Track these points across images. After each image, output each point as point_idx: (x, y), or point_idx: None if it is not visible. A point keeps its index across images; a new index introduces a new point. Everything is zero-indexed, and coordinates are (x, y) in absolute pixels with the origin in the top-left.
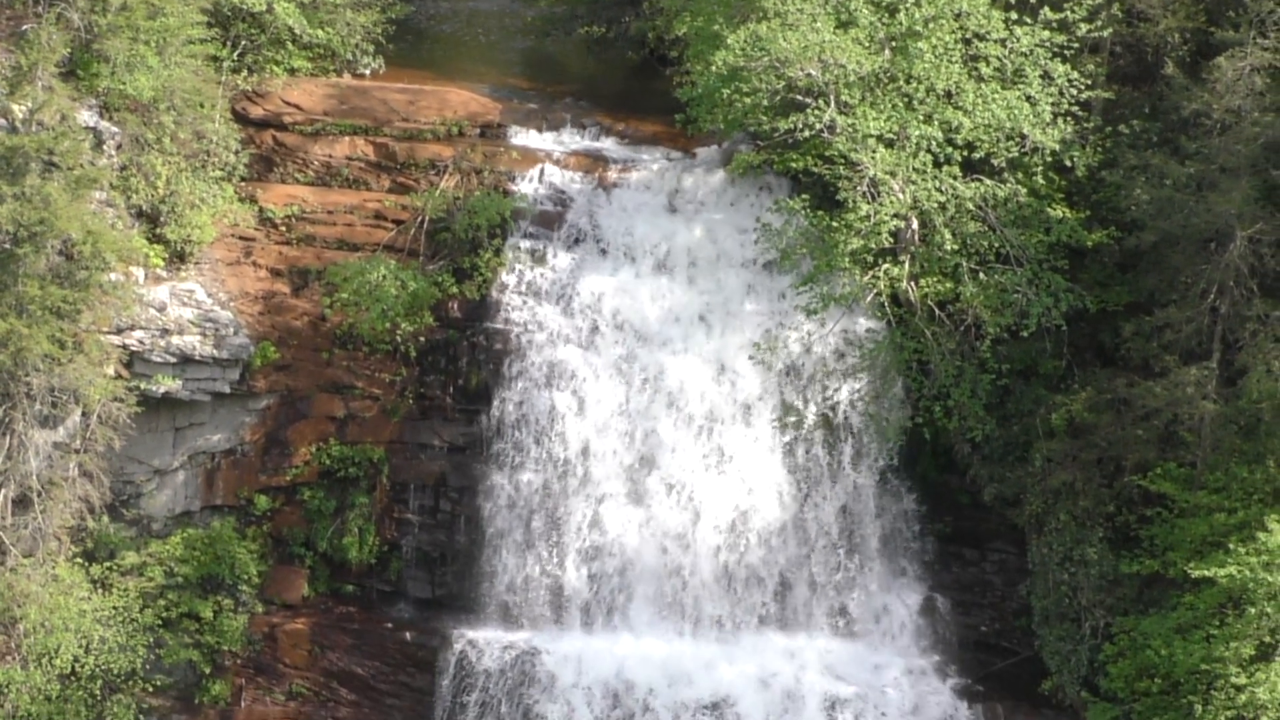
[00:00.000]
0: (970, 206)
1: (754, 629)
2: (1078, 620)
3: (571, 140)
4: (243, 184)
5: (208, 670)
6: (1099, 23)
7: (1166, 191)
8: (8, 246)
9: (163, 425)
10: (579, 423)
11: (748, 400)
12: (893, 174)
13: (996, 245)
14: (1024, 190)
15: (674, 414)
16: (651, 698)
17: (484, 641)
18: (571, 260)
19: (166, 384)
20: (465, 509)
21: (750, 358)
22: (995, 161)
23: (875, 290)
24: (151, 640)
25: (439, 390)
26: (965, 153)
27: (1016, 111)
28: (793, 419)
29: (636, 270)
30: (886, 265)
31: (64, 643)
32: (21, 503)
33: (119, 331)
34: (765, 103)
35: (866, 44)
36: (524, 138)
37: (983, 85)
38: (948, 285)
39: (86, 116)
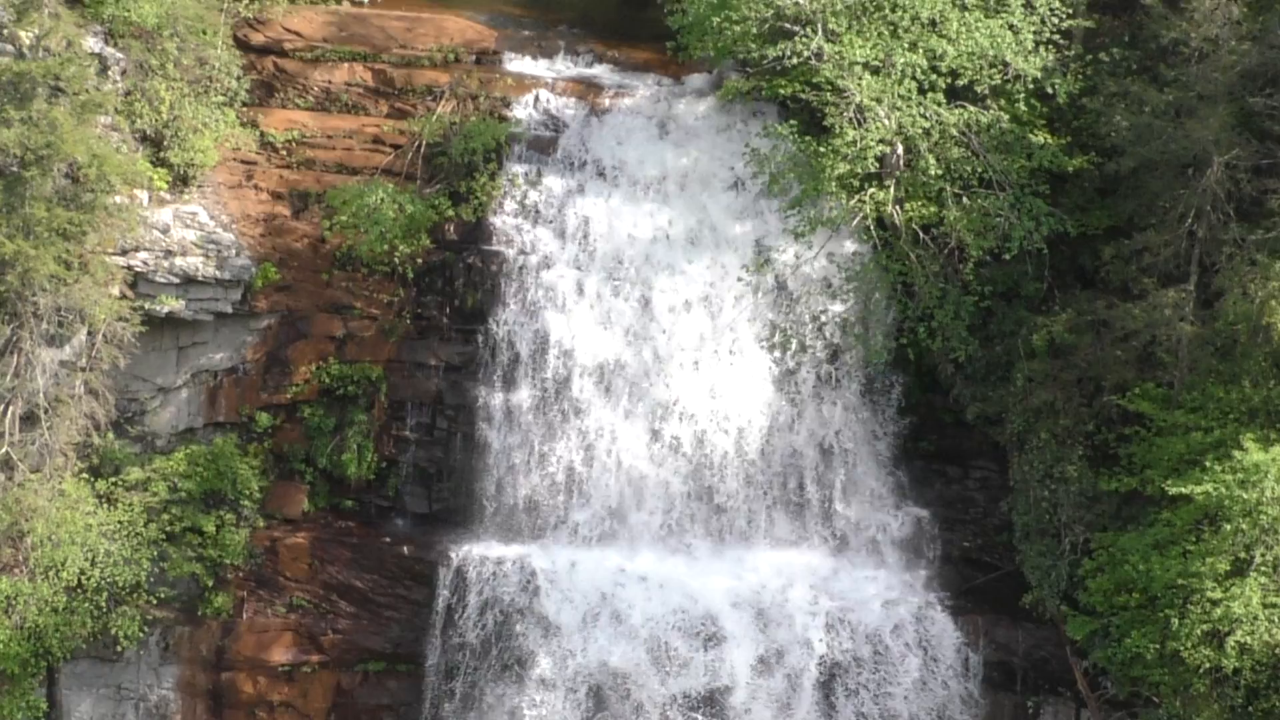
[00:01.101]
0: (954, 132)
1: (742, 544)
2: (1058, 536)
3: (565, 67)
4: (244, 109)
5: (210, 583)
6: None
7: (1145, 118)
8: (15, 170)
9: (166, 344)
10: (572, 342)
11: (736, 321)
12: (878, 100)
13: (979, 170)
14: (1006, 117)
15: (665, 334)
16: (642, 609)
17: (480, 555)
18: (565, 184)
19: (170, 304)
20: (461, 427)
21: (739, 279)
22: (978, 88)
23: (861, 214)
24: (156, 554)
25: (436, 311)
26: (949, 80)
27: (999, 39)
28: (780, 339)
29: (628, 194)
30: (872, 190)
31: (70, 556)
32: (29, 419)
33: (123, 253)
34: (754, 30)
35: None
36: (519, 64)
37: (966, 14)
38: (932, 209)
39: (92, 43)
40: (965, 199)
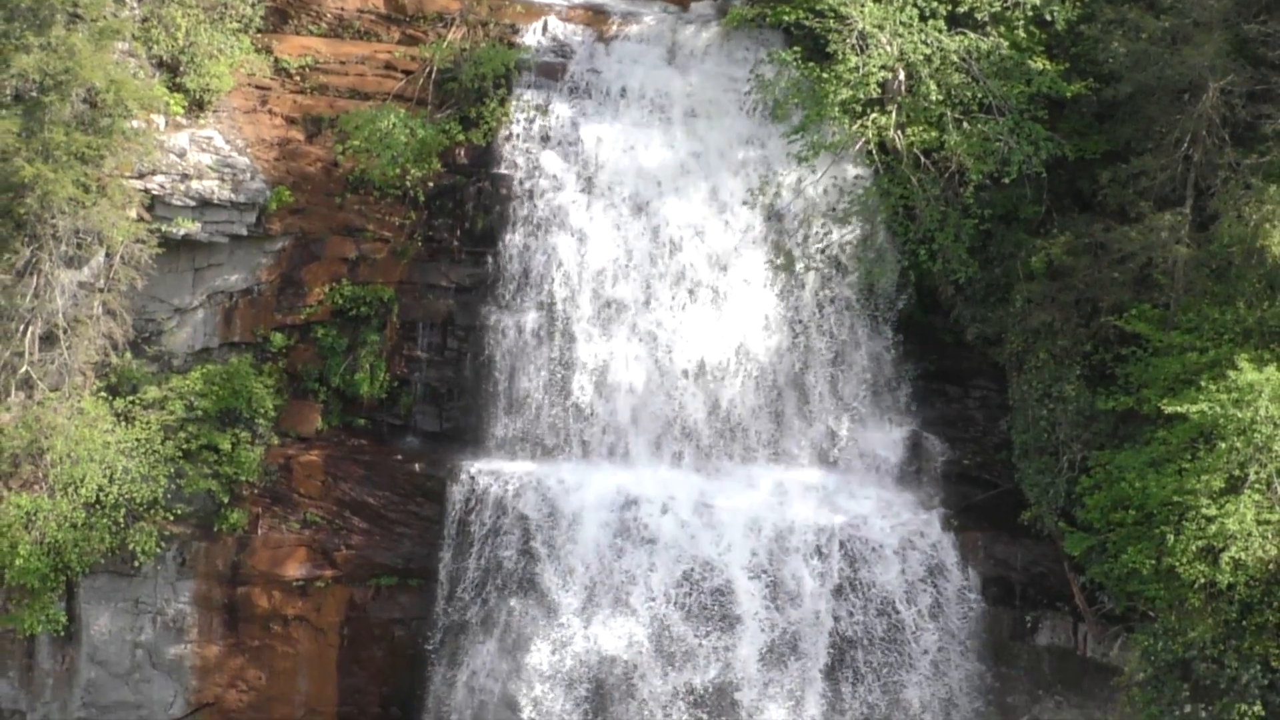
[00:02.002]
0: (955, 59)
1: (746, 461)
2: (1055, 454)
3: None
4: (259, 35)
5: (226, 499)
6: None
7: (1142, 44)
8: (35, 95)
9: (182, 266)
10: (580, 264)
11: (741, 243)
12: (880, 27)
13: (979, 96)
14: (1006, 43)
15: (670, 255)
16: (646, 522)
17: (489, 472)
18: (572, 110)
19: (186, 226)
20: (472, 347)
21: (744, 203)
22: (978, 15)
23: (864, 139)
24: (172, 471)
25: (446, 233)
26: (950, 7)
27: None
28: (783, 262)
29: (635, 119)
30: (874, 115)
31: (89, 473)
32: (48, 339)
33: (140, 176)
34: None
35: None
36: None
37: None
38: (933, 134)
39: None
40: (965, 124)
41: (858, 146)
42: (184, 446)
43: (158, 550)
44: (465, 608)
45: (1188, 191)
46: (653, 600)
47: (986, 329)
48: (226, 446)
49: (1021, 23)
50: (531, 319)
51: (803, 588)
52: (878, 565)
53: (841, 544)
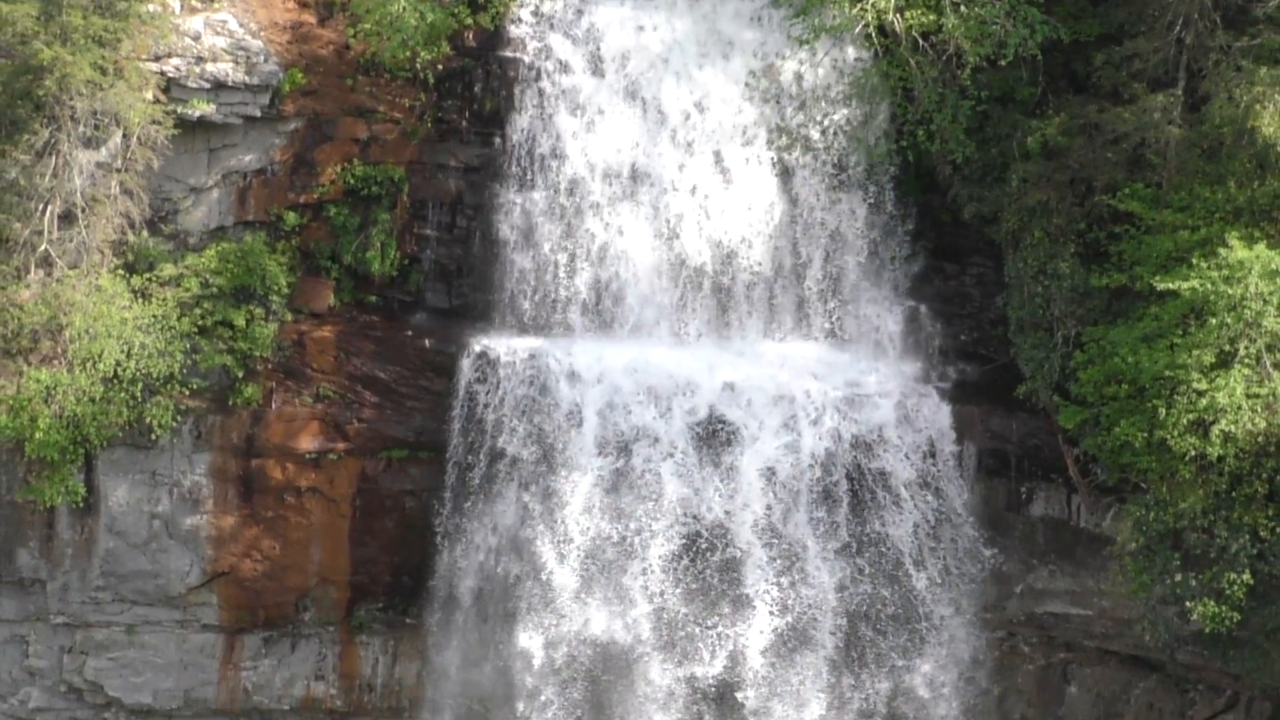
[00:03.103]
0: None
1: (749, 337)
2: (1050, 330)
3: None
4: None
5: (241, 374)
6: None
7: None
8: None
9: (198, 146)
10: (587, 145)
11: (745, 124)
12: None
13: None
14: None
15: (676, 136)
16: (651, 392)
17: (497, 347)
18: None
19: (201, 108)
20: (480, 225)
21: (747, 84)
22: None
23: (863, 21)
24: (188, 346)
25: (455, 115)
26: None
27: None
28: (784, 142)
29: (640, 2)
30: None
31: (107, 348)
32: (67, 218)
33: (156, 59)
34: None
35: None
36: None
37: None
38: (931, 17)
39: None
40: (963, 7)
41: (858, 29)
42: (199, 323)
43: (174, 424)
44: (474, 478)
45: (1180, 74)
46: (659, 461)
47: (983, 208)
48: (241, 322)
49: None
50: (539, 198)
51: (801, 459)
52: (876, 438)
53: (840, 416)
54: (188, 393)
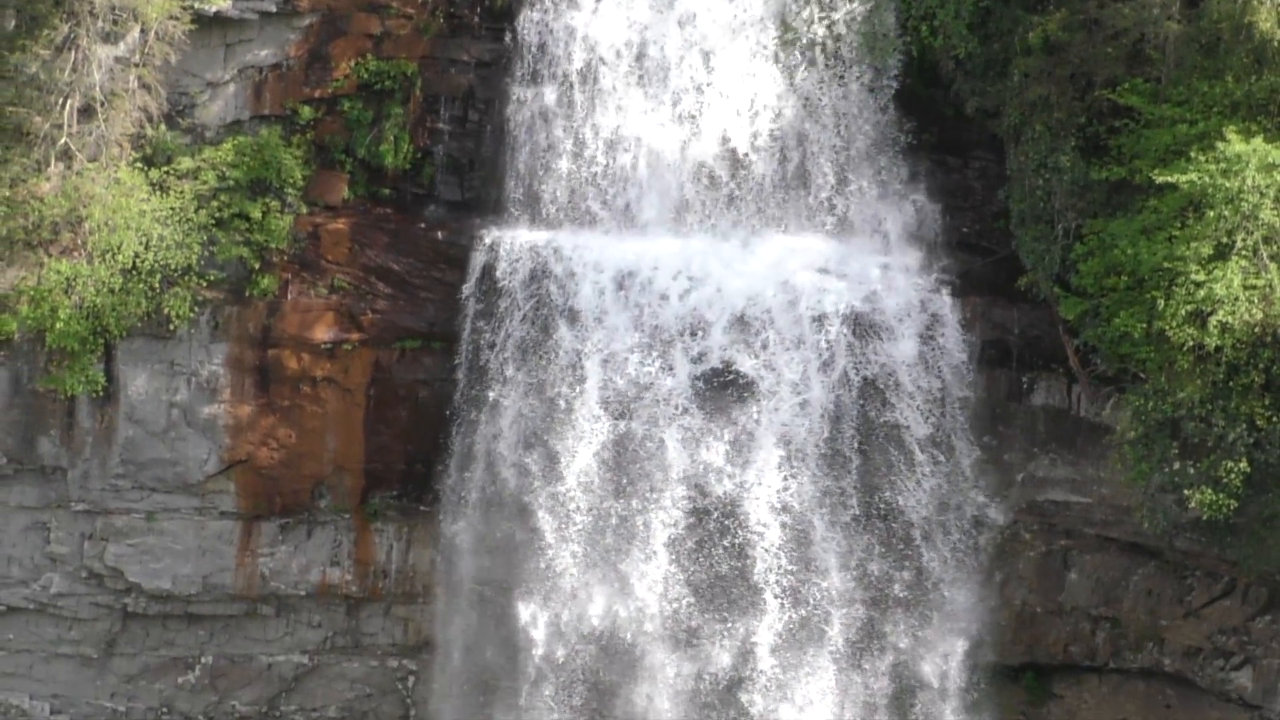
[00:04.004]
0: None
1: (755, 230)
2: (1051, 222)
3: None
4: None
5: (257, 266)
6: None
7: None
8: None
9: (214, 42)
10: (596, 40)
11: (752, 19)
12: None
13: None
14: None
15: (684, 32)
16: (659, 282)
17: (508, 240)
18: None
19: (218, 3)
20: (492, 119)
21: None
22: None
23: None
24: (205, 238)
25: (467, 10)
26: None
27: None
28: (790, 37)
29: None
30: None
31: (125, 240)
32: (86, 112)
33: None
34: None
35: None
36: None
37: None
38: None
39: None
40: None
41: None
42: (216, 215)
43: (191, 314)
44: (485, 369)
45: None
46: (666, 345)
47: (985, 102)
48: (257, 215)
49: None
50: (549, 92)
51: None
52: (881, 329)
53: (846, 306)
54: (205, 284)
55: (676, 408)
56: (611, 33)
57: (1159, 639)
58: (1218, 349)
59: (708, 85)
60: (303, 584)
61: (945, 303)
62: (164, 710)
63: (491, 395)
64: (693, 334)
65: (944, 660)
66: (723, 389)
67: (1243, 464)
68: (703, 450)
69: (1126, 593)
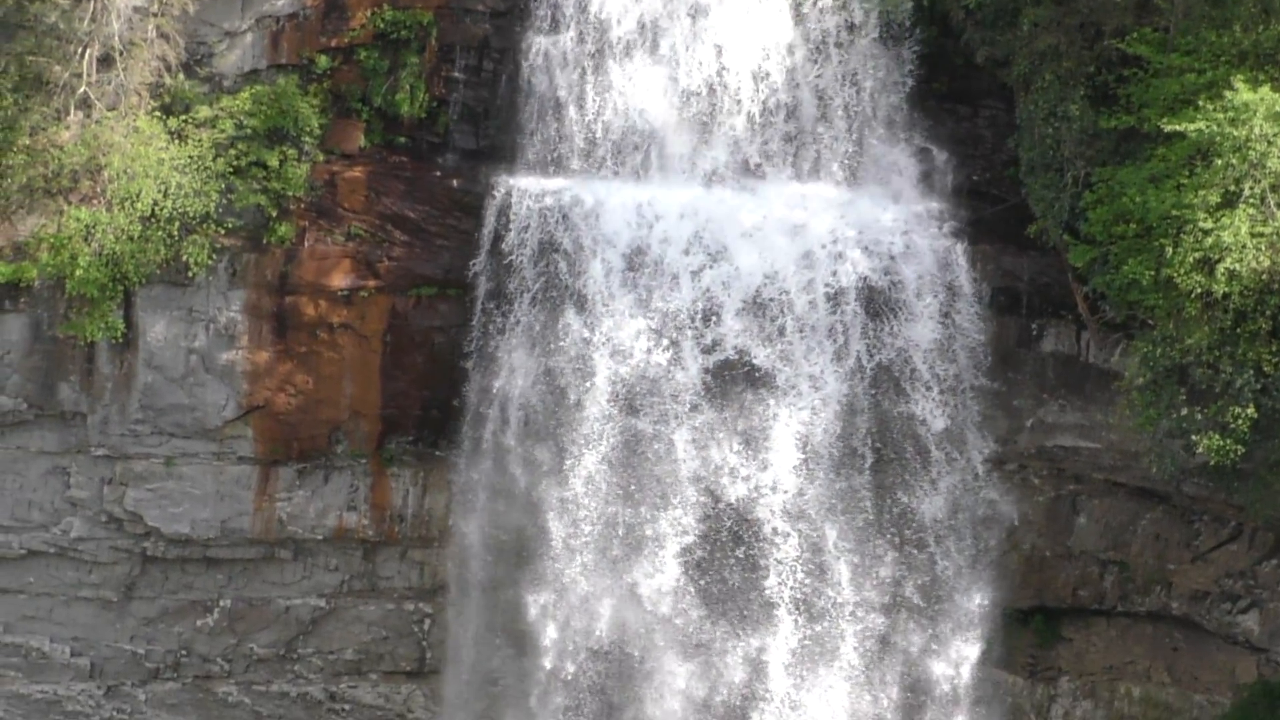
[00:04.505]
0: None
1: (768, 178)
2: (1061, 170)
3: None
4: None
5: (274, 213)
6: None
7: None
8: None
9: None
10: None
11: None
12: None
13: None
14: None
15: None
16: (673, 228)
17: (523, 188)
18: None
19: None
20: (507, 69)
21: None
22: None
23: None
24: (223, 186)
25: None
26: None
27: None
28: None
29: None
30: None
31: (144, 188)
32: (105, 61)
33: None
34: None
35: None
36: None
37: None
38: None
39: None
40: None
41: None
42: (234, 163)
43: (210, 261)
44: (499, 316)
45: None
46: (677, 296)
47: (995, 52)
48: (274, 163)
49: None
50: (563, 41)
51: (818, 294)
52: (894, 276)
53: (856, 252)
54: (223, 231)
55: (696, 321)
56: None
57: (1166, 583)
58: (1225, 296)
59: (721, 35)
60: (320, 528)
61: (957, 250)
62: (183, 653)
63: (505, 342)
64: (707, 254)
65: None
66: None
67: (1250, 409)
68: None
69: (1134, 537)
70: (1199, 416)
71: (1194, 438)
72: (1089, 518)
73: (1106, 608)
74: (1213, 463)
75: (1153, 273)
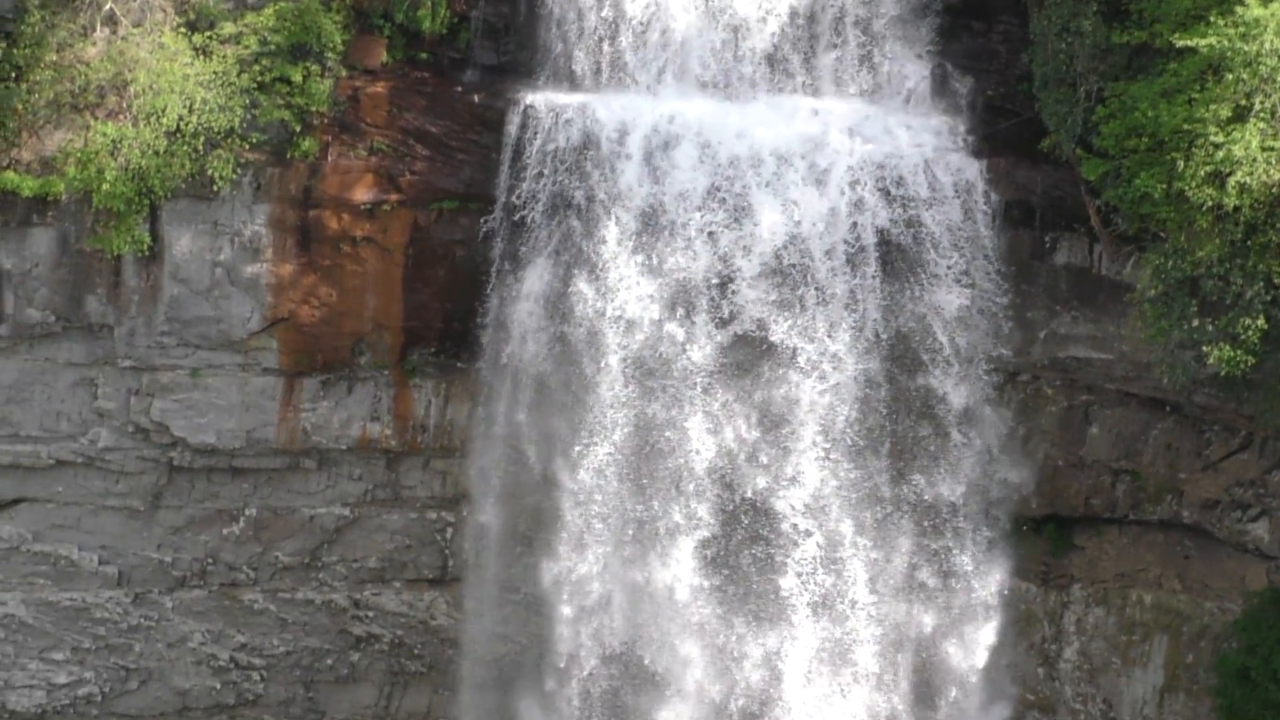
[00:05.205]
0: None
1: (788, 93)
2: (1073, 85)
3: None
4: None
5: (298, 128)
6: None
7: None
8: None
9: None
10: None
11: None
12: None
13: None
14: None
15: None
16: (693, 139)
17: (544, 102)
18: None
19: None
20: None
21: None
22: None
23: None
24: (248, 102)
25: None
26: None
27: None
28: None
29: None
30: None
31: (170, 103)
32: None
33: None
34: None
35: None
36: None
37: None
38: None
39: None
40: None
41: None
42: (258, 79)
43: (234, 176)
44: (520, 231)
45: None
46: (695, 213)
47: None
48: (298, 78)
49: None
50: None
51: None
52: (910, 188)
53: (874, 165)
54: (247, 146)
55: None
56: None
57: (1178, 491)
58: (1236, 209)
59: None
60: (344, 438)
61: (971, 164)
62: (209, 561)
63: (526, 256)
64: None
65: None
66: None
67: (1260, 321)
68: None
69: (1146, 446)
70: (1210, 328)
71: (1205, 348)
72: (1101, 428)
73: (1118, 516)
74: (1223, 373)
75: (1164, 186)
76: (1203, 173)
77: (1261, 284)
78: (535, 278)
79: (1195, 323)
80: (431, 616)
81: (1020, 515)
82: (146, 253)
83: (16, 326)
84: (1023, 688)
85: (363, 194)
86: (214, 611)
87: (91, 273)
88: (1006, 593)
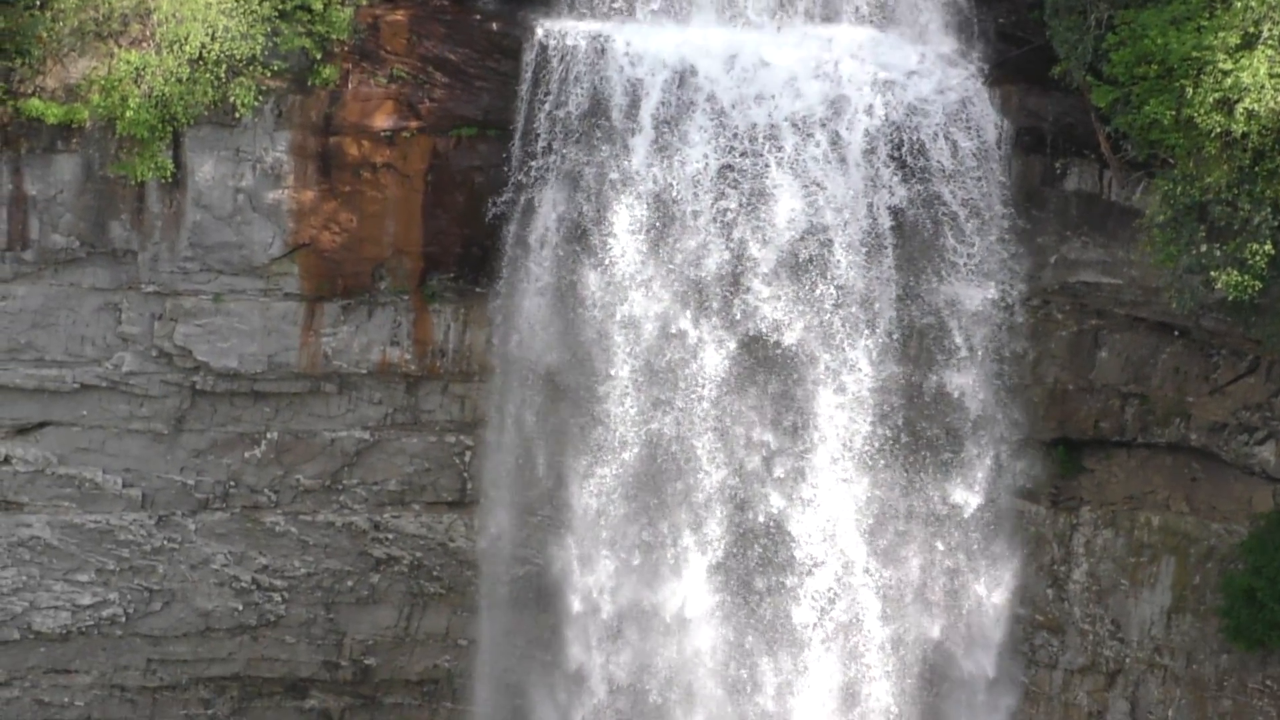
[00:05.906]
0: None
1: (800, 21)
2: (1084, 13)
3: None
4: None
5: (319, 56)
6: None
7: None
8: None
9: None
10: None
11: None
12: None
13: None
14: None
15: None
16: (705, 66)
17: (561, 30)
18: None
19: None
20: None
21: None
22: None
23: None
24: (269, 30)
25: None
26: None
27: None
28: None
29: None
30: None
31: (192, 31)
32: None
33: None
34: None
35: None
36: None
37: None
38: None
39: None
40: None
41: None
42: (279, 7)
43: (256, 103)
44: (538, 157)
45: None
46: (712, 143)
47: None
48: (319, 6)
49: None
50: None
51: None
52: (919, 116)
53: (886, 91)
54: (269, 74)
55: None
56: None
57: (1185, 415)
58: (1244, 135)
59: None
60: (364, 362)
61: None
62: (231, 483)
63: (544, 181)
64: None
65: None
66: None
67: (1267, 246)
68: None
69: (1155, 370)
70: (1218, 253)
71: (1213, 273)
72: (1110, 352)
73: (1127, 439)
74: (1231, 298)
75: (1173, 113)
76: (1211, 99)
77: (1269, 209)
78: (553, 203)
79: (1203, 248)
80: (450, 538)
81: (1030, 438)
82: (170, 179)
83: (41, 252)
84: (1032, 608)
85: (382, 121)
86: (236, 534)
87: (115, 199)
88: (1015, 515)
